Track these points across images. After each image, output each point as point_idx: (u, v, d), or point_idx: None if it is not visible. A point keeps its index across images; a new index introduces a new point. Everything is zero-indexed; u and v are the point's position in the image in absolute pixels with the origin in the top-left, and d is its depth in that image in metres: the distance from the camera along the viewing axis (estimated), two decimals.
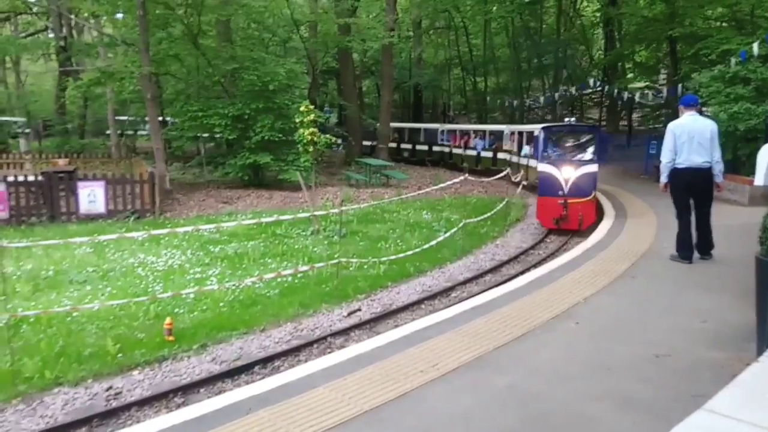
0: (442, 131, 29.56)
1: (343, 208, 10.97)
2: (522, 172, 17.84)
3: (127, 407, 5.60)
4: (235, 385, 6.09)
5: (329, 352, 6.65)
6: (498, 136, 23.91)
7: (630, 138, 30.01)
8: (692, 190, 7.52)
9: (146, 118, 23.04)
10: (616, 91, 26.44)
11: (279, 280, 9.17)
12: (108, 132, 29.83)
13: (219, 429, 3.56)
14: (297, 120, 12.94)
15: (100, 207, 14.79)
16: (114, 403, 5.71)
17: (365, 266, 10.18)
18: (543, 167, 12.93)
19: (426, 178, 23.77)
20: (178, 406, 5.58)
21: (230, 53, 20.92)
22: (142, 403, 5.69)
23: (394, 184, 21.61)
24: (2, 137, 27.41)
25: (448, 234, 11.61)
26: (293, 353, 6.93)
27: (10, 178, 14.88)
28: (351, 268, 10.02)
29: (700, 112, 8.15)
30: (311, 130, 12.59)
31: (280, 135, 19.28)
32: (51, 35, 31.03)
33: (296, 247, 11.74)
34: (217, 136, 21.85)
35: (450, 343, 4.91)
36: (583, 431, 3.53)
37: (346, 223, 13.59)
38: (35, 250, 10.79)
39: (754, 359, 4.00)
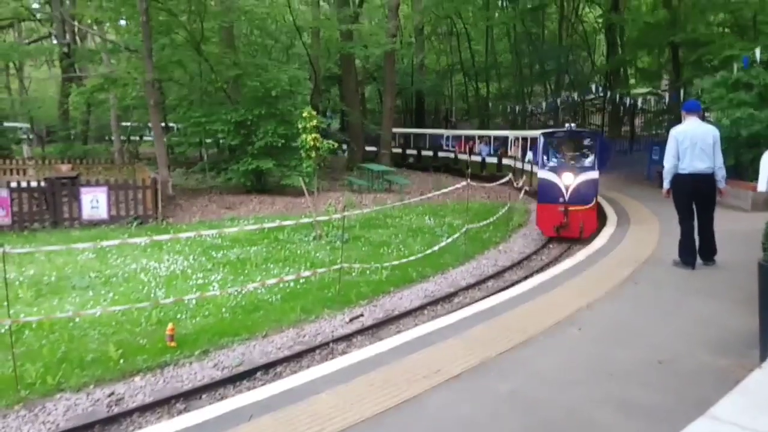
0: (448, 137, 29.59)
1: (346, 213, 10.98)
2: (525, 177, 17.83)
3: (129, 413, 5.60)
4: (237, 391, 6.09)
5: (331, 358, 6.63)
6: (503, 141, 23.90)
7: (632, 144, 30.03)
8: (695, 196, 7.50)
9: (149, 124, 23.11)
10: (618, 96, 26.47)
11: (281, 285, 9.18)
12: (111, 138, 29.91)
13: None
14: (299, 126, 12.98)
15: (102, 213, 14.82)
16: (116, 409, 5.71)
17: (367, 272, 10.17)
18: (543, 174, 12.67)
19: (428, 183, 23.76)
20: (180, 412, 5.58)
21: (233, 59, 21.00)
22: (144, 409, 5.69)
23: (397, 190, 21.62)
24: (6, 143, 27.48)
25: (450, 239, 11.61)
26: (295, 359, 6.92)
27: (13, 184, 14.91)
28: (353, 274, 10.01)
29: (703, 118, 8.15)
30: (313, 135, 12.63)
31: (283, 141, 19.34)
32: (54, 42, 31.13)
33: (298, 252, 11.74)
34: (220, 141, 21.91)
35: (452, 349, 4.90)
36: None
37: (349, 229, 13.58)
38: (38, 256, 10.81)
39: (757, 365, 3.99)
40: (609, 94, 29.22)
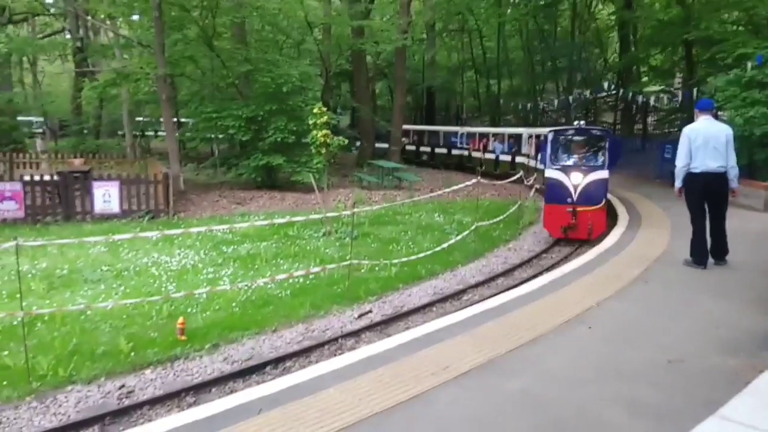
0: (462, 134, 29.45)
1: (355, 209, 10.99)
2: (536, 175, 17.75)
3: (139, 406, 5.64)
4: (247, 385, 6.12)
5: (340, 354, 6.66)
6: (517, 139, 23.75)
7: (644, 142, 29.81)
8: (707, 195, 7.45)
9: (161, 119, 23.22)
10: (630, 94, 26.28)
11: (291, 281, 9.20)
12: (123, 132, 30.09)
13: (230, 428, 3.58)
14: (310, 122, 12.99)
15: (114, 207, 14.92)
16: (126, 402, 5.76)
17: (377, 268, 10.19)
18: (551, 173, 12.33)
19: (438, 180, 23.74)
20: (190, 406, 5.62)
21: (244, 55, 21.03)
22: (154, 401, 5.73)
23: (406, 187, 21.61)
24: (19, 137, 27.69)
25: (459, 237, 11.60)
26: (304, 354, 6.95)
27: (27, 178, 15.05)
28: (362, 270, 10.03)
29: (716, 117, 8.08)
30: (324, 132, 12.64)
31: (293, 137, 19.36)
32: (68, 36, 31.29)
33: (308, 248, 11.77)
34: (231, 137, 21.97)
35: (461, 346, 4.90)
36: None
37: (358, 225, 13.60)
38: (50, 249, 10.91)
39: (767, 366, 3.97)
40: (621, 91, 29.01)
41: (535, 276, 9.66)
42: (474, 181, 12.79)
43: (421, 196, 16.19)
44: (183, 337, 7.03)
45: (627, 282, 6.94)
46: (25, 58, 33.41)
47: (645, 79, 33.34)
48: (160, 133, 33.82)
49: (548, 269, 10.20)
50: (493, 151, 25.46)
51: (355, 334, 7.58)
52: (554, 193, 12.23)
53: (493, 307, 6.07)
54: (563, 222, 11.96)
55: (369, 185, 21.86)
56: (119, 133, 32.98)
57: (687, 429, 3.18)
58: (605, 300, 6.22)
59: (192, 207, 16.99)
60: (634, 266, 7.71)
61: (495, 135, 26.61)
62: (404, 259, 10.38)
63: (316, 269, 9.38)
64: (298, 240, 12.49)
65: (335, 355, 6.60)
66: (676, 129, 25.62)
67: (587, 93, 30.33)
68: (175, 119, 23.67)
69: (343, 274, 9.51)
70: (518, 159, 22.41)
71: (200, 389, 6.03)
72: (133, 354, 6.64)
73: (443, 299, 9.04)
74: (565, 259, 11.12)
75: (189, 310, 8.03)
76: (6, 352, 6.56)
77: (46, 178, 15.48)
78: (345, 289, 9.10)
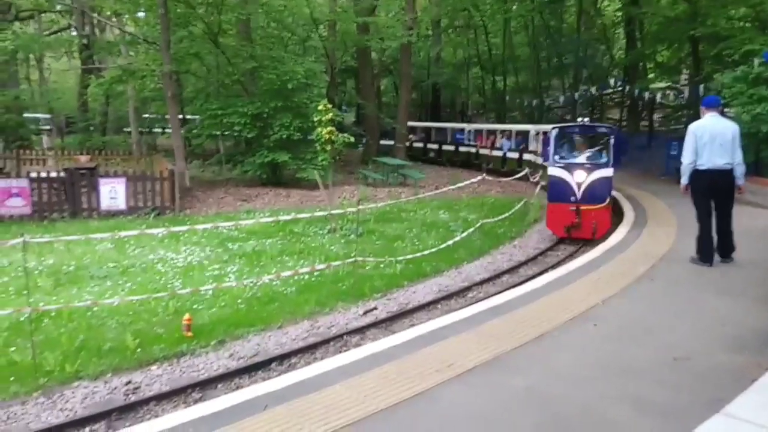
0: (469, 131, 29.33)
1: (360, 206, 10.99)
2: (542, 172, 17.69)
3: (146, 402, 5.66)
4: (252, 381, 6.14)
5: (345, 350, 6.66)
6: (525, 136, 23.62)
7: (651, 139, 29.67)
8: (713, 192, 7.43)
9: (167, 116, 23.27)
10: (637, 91, 26.16)
11: (296, 277, 9.23)
12: (129, 129, 30.16)
13: (236, 424, 3.60)
14: (315, 119, 13.00)
15: (120, 203, 14.97)
16: (133, 398, 5.78)
17: (382, 265, 10.19)
18: (554, 171, 12.01)
19: (443, 177, 23.71)
20: (196, 402, 5.64)
21: (250, 52, 21.03)
22: (161, 397, 5.75)
23: (412, 184, 21.59)
24: (26, 134, 27.79)
25: (465, 234, 11.58)
26: (310, 351, 6.96)
27: (33, 174, 15.12)
28: (367, 267, 10.04)
29: (722, 113, 8.05)
30: (329, 128, 12.64)
31: (299, 134, 19.38)
32: (74, 33, 31.38)
33: (313, 245, 11.79)
34: (236, 134, 22.00)
35: (466, 344, 4.91)
36: None
37: (363, 222, 13.61)
38: (57, 246, 10.95)
39: None
40: (627, 88, 28.89)
41: (540, 273, 9.65)
42: (479, 178, 12.78)
43: (426, 194, 16.18)
44: (189, 334, 7.05)
45: (633, 279, 6.93)
46: (31, 55, 33.49)
47: (651, 75, 33.18)
48: (166, 130, 33.87)
49: (554, 266, 10.19)
50: (500, 148, 25.34)
51: (360, 331, 7.59)
52: (557, 191, 11.91)
53: (498, 305, 6.08)
54: (566, 221, 11.71)
55: (374, 182, 21.86)
56: (125, 129, 33.07)
57: (692, 427, 3.19)
58: (611, 297, 6.22)
59: (198, 204, 17.04)
60: (640, 264, 7.69)
61: (502, 132, 26.47)
62: (409, 257, 10.38)
63: (322, 266, 9.40)
64: (304, 237, 12.51)
65: (340, 352, 6.62)
66: (682, 126, 25.47)
67: (593, 89, 30.21)
68: (180, 116, 23.70)
69: (348, 271, 9.53)
70: (526, 156, 22.27)
71: (206, 385, 6.05)
72: (139, 350, 6.66)
73: (448, 296, 9.03)
74: (571, 256, 11.10)
75: (195, 306, 8.06)
76: (13, 348, 6.60)
77: (53, 174, 15.54)
78: (350, 286, 9.11)
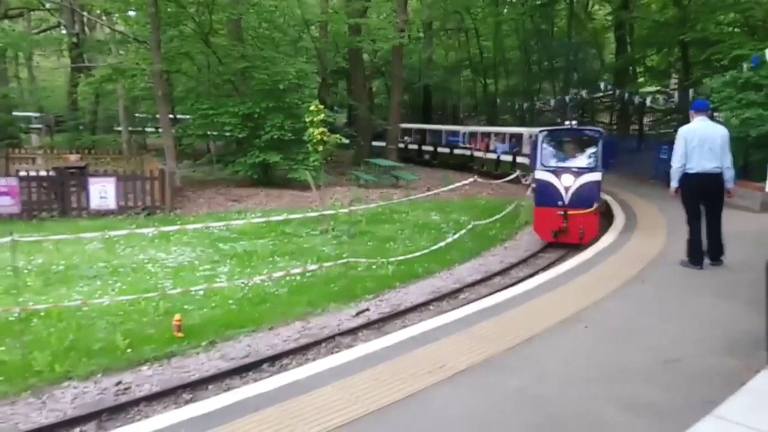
0: (464, 134, 29.30)
1: (353, 208, 11.00)
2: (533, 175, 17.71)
3: (136, 402, 5.63)
4: (244, 382, 6.11)
5: (337, 351, 6.66)
6: (519, 139, 23.64)
7: (641, 142, 29.88)
8: (703, 196, 7.49)
9: (157, 116, 23.19)
10: (627, 95, 26.33)
11: (288, 278, 9.21)
12: (119, 128, 30.01)
13: (227, 425, 3.58)
14: (307, 119, 12.99)
15: (110, 203, 14.90)
16: (123, 398, 5.74)
17: (374, 266, 10.19)
18: (541, 175, 11.76)
19: (435, 179, 23.76)
20: (187, 402, 5.61)
21: (241, 52, 21.01)
22: (151, 398, 5.72)
23: (404, 185, 21.62)
24: (15, 132, 27.60)
25: (456, 235, 11.60)
26: (301, 351, 6.94)
27: (22, 173, 15.01)
28: (359, 268, 10.04)
29: (712, 118, 8.12)
30: (321, 129, 12.64)
31: (290, 134, 19.37)
32: (64, 32, 31.21)
33: (305, 246, 11.77)
34: (227, 134, 21.96)
35: (458, 345, 4.92)
36: None
37: (355, 223, 13.61)
38: (46, 245, 10.87)
39: (764, 366, 4.00)
40: (617, 92, 29.08)
41: (531, 275, 9.67)
42: (471, 180, 12.79)
43: (418, 195, 16.20)
44: (180, 334, 7.02)
45: (623, 282, 6.97)
46: (20, 54, 33.29)
47: (641, 79, 33.43)
48: (157, 130, 33.71)
49: (545, 268, 10.22)
50: (494, 151, 25.38)
51: (352, 332, 7.58)
52: (544, 195, 11.68)
53: (490, 306, 6.09)
54: (554, 226, 11.48)
55: (366, 183, 21.86)
56: (115, 129, 32.88)
57: (683, 428, 3.21)
58: (602, 300, 6.25)
59: (188, 204, 16.97)
60: (631, 266, 7.74)
61: (496, 135, 26.50)
62: (401, 258, 10.39)
63: (313, 267, 9.39)
64: (295, 238, 12.49)
65: (332, 353, 6.60)
66: (672, 130, 25.64)
67: (584, 93, 30.37)
68: (171, 116, 23.61)
69: (341, 272, 9.52)
70: (519, 159, 22.29)
71: (197, 386, 6.02)
72: (129, 350, 6.63)
73: (440, 298, 9.04)
74: (562, 258, 11.13)
75: (185, 307, 8.02)
76: (2, 348, 6.54)
77: (42, 173, 15.44)
78: (342, 287, 9.10)
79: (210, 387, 6.05)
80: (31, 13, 32.62)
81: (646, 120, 34.65)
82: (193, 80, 24.49)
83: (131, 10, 22.94)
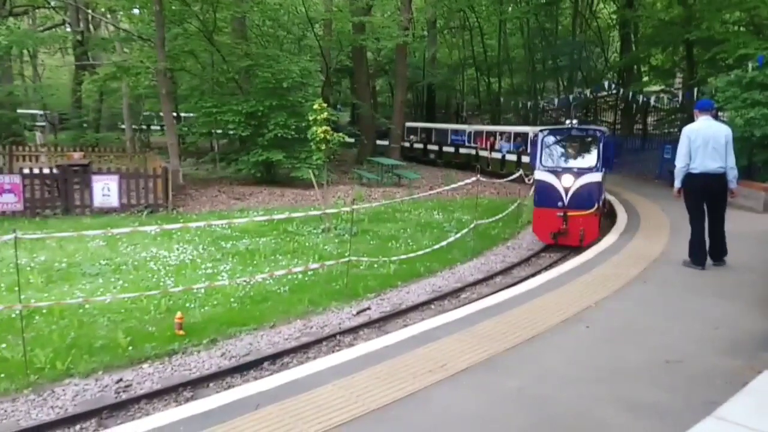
0: (470, 132, 29.21)
1: (355, 206, 10.98)
2: None
3: (137, 400, 5.64)
4: (244, 380, 6.13)
5: (338, 350, 6.67)
6: (524, 138, 23.55)
7: (645, 142, 29.79)
8: (706, 196, 7.46)
9: (161, 114, 23.22)
10: (631, 94, 26.24)
11: (289, 277, 9.21)
12: (123, 126, 30.05)
13: (227, 423, 3.58)
14: (310, 118, 12.99)
15: (113, 201, 14.92)
16: (124, 396, 5.75)
17: (375, 265, 10.19)
18: (540, 175, 11.51)
19: (438, 178, 23.74)
20: (187, 400, 5.62)
21: (245, 50, 21.01)
22: (152, 396, 5.73)
23: (406, 184, 21.60)
24: (19, 130, 27.65)
25: (458, 235, 11.59)
26: (302, 350, 6.94)
27: (26, 171, 15.03)
28: (361, 267, 10.03)
29: (716, 117, 8.08)
30: (324, 128, 12.62)
31: (293, 132, 19.36)
32: (68, 29, 31.24)
33: (307, 244, 11.77)
34: (231, 132, 21.97)
35: (459, 344, 4.91)
36: None
37: (358, 222, 13.60)
38: (49, 242, 10.91)
39: (766, 367, 3.98)
40: (622, 91, 28.99)
41: (533, 275, 9.66)
42: (473, 179, 12.76)
43: (421, 194, 16.19)
44: (181, 332, 7.02)
45: (625, 282, 6.95)
46: (25, 51, 33.35)
47: (645, 78, 33.26)
48: (161, 128, 33.76)
49: (547, 268, 10.21)
50: (499, 150, 25.28)
51: (353, 330, 7.58)
52: (544, 196, 11.42)
53: (491, 306, 6.08)
54: (553, 227, 11.23)
55: (369, 182, 21.85)
56: (119, 126, 32.94)
57: (684, 429, 3.19)
58: (603, 299, 6.23)
59: (191, 202, 16.99)
60: (633, 266, 7.72)
61: (501, 134, 26.39)
62: (403, 257, 10.38)
63: (315, 266, 9.38)
64: (297, 236, 12.48)
65: (333, 352, 6.61)
66: (676, 129, 25.58)
67: (587, 92, 30.28)
68: (174, 114, 23.64)
69: (342, 271, 9.51)
70: (525, 158, 22.19)
71: (198, 384, 6.02)
72: (130, 348, 6.64)
73: (441, 297, 9.03)
74: (564, 258, 11.11)
75: (187, 305, 8.03)
76: (4, 345, 6.56)
77: (46, 171, 15.47)
78: (343, 286, 9.10)
79: (211, 385, 6.06)
80: (36, 10, 32.68)
81: (650, 119, 34.52)
82: (197, 78, 24.50)
83: (136, 7, 23.00)
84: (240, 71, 21.23)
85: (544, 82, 40.15)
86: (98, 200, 14.81)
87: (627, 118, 34.25)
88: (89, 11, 26.85)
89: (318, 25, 28.62)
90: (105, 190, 14.83)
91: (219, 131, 23.16)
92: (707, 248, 7.57)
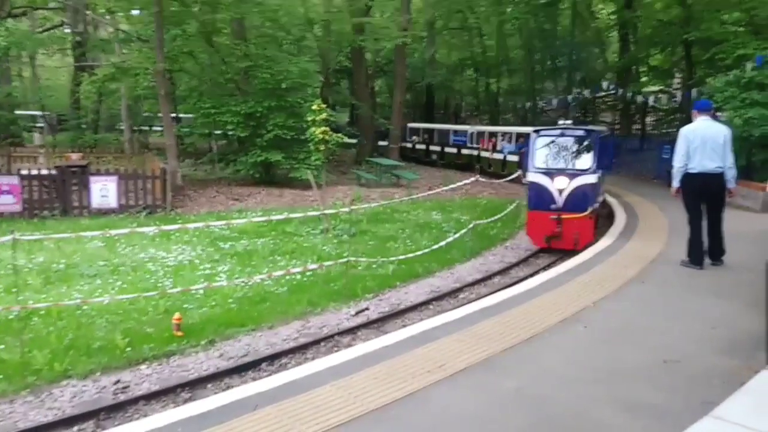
0: (472, 133, 29.17)
1: (354, 207, 10.98)
2: None
3: (135, 401, 5.62)
4: (243, 381, 6.11)
5: (336, 351, 6.66)
6: (526, 138, 23.49)
7: (643, 142, 29.80)
8: (704, 196, 7.47)
9: (159, 114, 23.21)
10: (630, 94, 26.26)
11: (288, 277, 9.20)
12: (121, 127, 30.03)
13: (226, 424, 3.58)
14: (309, 118, 12.99)
15: (112, 202, 14.92)
16: (121, 397, 5.74)
17: (374, 266, 10.18)
18: (533, 177, 11.13)
19: (437, 178, 23.74)
20: (186, 401, 5.60)
21: (244, 51, 21.01)
22: (150, 397, 5.71)
23: (405, 185, 21.59)
24: (17, 131, 27.63)
25: (457, 235, 11.58)
26: (300, 351, 6.93)
27: (24, 172, 15.03)
28: (360, 268, 10.02)
29: (714, 117, 8.09)
30: (323, 128, 12.63)
31: (292, 133, 19.37)
32: (67, 31, 31.25)
33: (305, 245, 11.76)
34: (229, 133, 21.97)
35: (457, 344, 4.91)
36: None
37: (356, 223, 13.60)
38: (47, 243, 10.89)
39: (763, 367, 3.98)
40: (620, 91, 29.00)
41: (531, 275, 9.66)
42: (472, 179, 12.76)
43: (420, 194, 16.18)
44: (179, 333, 7.01)
45: (623, 282, 6.95)
46: (24, 52, 33.32)
47: (644, 79, 33.30)
48: (159, 128, 33.74)
49: (545, 268, 10.20)
50: (501, 151, 25.25)
51: (352, 331, 7.57)
52: (537, 198, 11.09)
53: (490, 306, 6.08)
54: (547, 230, 10.91)
55: (367, 183, 21.85)
56: (118, 127, 32.91)
57: (682, 429, 3.19)
58: (601, 299, 6.23)
59: (189, 203, 16.98)
60: (631, 266, 7.72)
61: (503, 134, 26.34)
62: (402, 257, 10.37)
63: (314, 266, 9.38)
64: (296, 237, 12.47)
65: (331, 352, 6.60)
66: (674, 129, 25.55)
67: (586, 92, 30.29)
68: (173, 115, 23.63)
69: (341, 272, 9.50)
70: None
71: (196, 385, 6.01)
72: (128, 349, 6.62)
73: (440, 297, 9.03)
74: (562, 258, 11.10)
75: (185, 306, 8.02)
76: (2, 346, 6.54)
77: (44, 172, 15.47)
78: (342, 287, 9.09)
79: (209, 386, 6.05)
80: (35, 11, 32.65)
81: (648, 119, 34.55)
82: (196, 79, 24.48)
83: (135, 9, 22.97)
84: (239, 72, 21.23)
85: (543, 83, 40.15)
86: (96, 201, 14.80)
87: (626, 119, 34.28)
88: (88, 12, 26.85)
89: (317, 26, 28.61)
90: (103, 191, 14.83)
91: (218, 132, 23.16)
92: (705, 248, 7.57)
